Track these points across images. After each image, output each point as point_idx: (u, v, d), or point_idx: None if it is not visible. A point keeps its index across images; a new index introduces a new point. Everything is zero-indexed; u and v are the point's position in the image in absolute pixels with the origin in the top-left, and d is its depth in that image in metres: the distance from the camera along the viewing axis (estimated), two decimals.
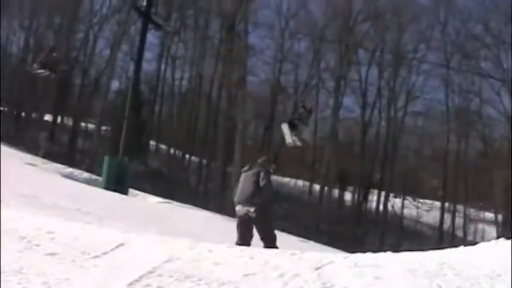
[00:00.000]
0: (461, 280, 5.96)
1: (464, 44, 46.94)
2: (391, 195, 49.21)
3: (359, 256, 7.51)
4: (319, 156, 51.56)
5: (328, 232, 42.98)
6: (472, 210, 49.00)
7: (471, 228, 47.97)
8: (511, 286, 5.73)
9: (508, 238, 9.11)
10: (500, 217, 44.13)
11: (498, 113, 44.99)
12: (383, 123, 49.54)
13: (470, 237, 44.52)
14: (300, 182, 54.50)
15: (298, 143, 18.99)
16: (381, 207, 48.21)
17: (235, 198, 11.19)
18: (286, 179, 53.86)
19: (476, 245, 8.68)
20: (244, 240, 10.91)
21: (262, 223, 10.96)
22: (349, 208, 50.22)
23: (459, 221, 47.97)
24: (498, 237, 13.19)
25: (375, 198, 49.46)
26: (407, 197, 50.54)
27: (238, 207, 11.04)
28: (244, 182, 11.15)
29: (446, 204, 48.15)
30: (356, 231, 45.16)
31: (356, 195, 49.88)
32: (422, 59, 48.73)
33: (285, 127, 18.58)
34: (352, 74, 50.77)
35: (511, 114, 42.45)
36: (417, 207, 50.61)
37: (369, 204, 49.52)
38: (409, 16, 48.43)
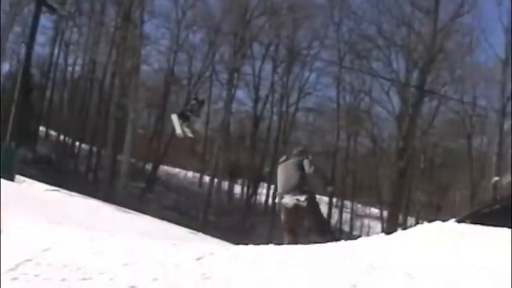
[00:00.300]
0: (340, 273, 6.08)
1: (357, 44, 47.98)
2: None
3: (241, 248, 7.57)
4: (210, 148, 51.68)
5: (217, 224, 43.15)
6: (359, 206, 50.24)
7: (358, 223, 49.18)
8: (388, 279, 5.89)
9: (389, 233, 9.39)
10: (385, 213, 45.35)
11: (387, 113, 46.24)
12: (275, 117, 50.06)
13: (356, 232, 45.59)
14: (190, 174, 54.51)
15: (190, 135, 18.93)
16: (270, 200, 48.66)
17: (279, 191, 10.52)
18: (177, 170, 53.78)
19: (358, 239, 8.90)
20: (295, 236, 10.35)
21: (315, 211, 10.53)
22: (239, 201, 50.56)
23: (346, 216, 49.11)
24: (382, 232, 13.55)
25: (265, 191, 49.93)
26: None
27: (285, 199, 10.30)
28: (286, 173, 10.56)
29: (334, 200, 49.06)
30: (245, 223, 45.49)
31: (246, 188, 50.21)
32: (315, 57, 49.63)
33: (174, 118, 18.48)
34: (246, 67, 51.09)
35: (399, 114, 43.60)
36: None
37: (258, 197, 49.96)
38: (304, 14, 49.03)
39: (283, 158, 11.03)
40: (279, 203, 10.53)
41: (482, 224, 8.70)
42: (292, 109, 49.64)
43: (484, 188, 39.57)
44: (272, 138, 49.89)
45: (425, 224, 9.40)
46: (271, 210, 47.62)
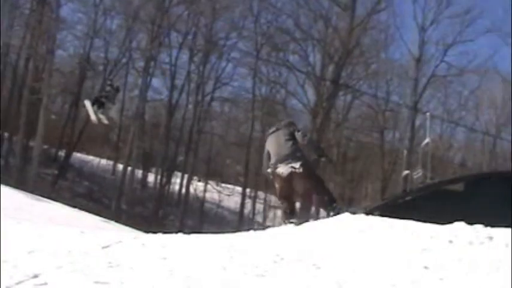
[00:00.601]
0: (247, 263, 6.11)
1: (274, 36, 48.18)
2: (195, 178, 49.73)
3: (149, 237, 7.56)
4: (125, 135, 51.09)
5: (130, 213, 42.80)
6: (272, 196, 50.50)
7: (271, 214, 49.46)
8: (295, 270, 5.95)
9: (297, 224, 9.49)
10: (298, 204, 45.84)
11: (302, 105, 46.65)
12: (190, 107, 49.84)
13: (270, 223, 45.85)
14: (104, 161, 53.83)
15: (105, 121, 18.71)
16: (184, 190, 48.52)
17: (272, 161, 10.46)
18: (90, 157, 53.03)
19: (267, 230, 8.98)
20: (292, 205, 10.47)
21: (312, 174, 10.55)
22: (152, 189, 50.21)
23: (259, 206, 49.36)
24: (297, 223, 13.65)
25: (178, 180, 49.74)
26: (210, 181, 51.30)
27: (280, 168, 10.23)
28: (278, 143, 10.52)
29: (248, 190, 49.27)
30: (157, 212, 45.25)
31: (159, 177, 49.89)
32: (233, 47, 49.61)
33: (88, 104, 18.20)
34: (162, 56, 50.69)
35: (314, 107, 44.04)
36: (219, 192, 51.52)
37: (171, 186, 49.71)
38: (223, 4, 48.93)
39: (273, 129, 11.06)
40: (273, 173, 10.45)
41: (390, 216, 8.89)
42: (207, 99, 49.50)
43: (395, 181, 40.51)
44: (187, 128, 49.63)
45: (335, 216, 9.55)
46: (184, 200, 47.54)
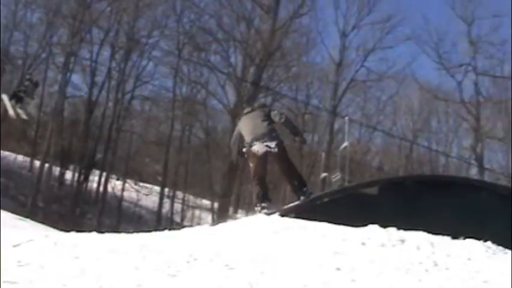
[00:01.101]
0: (160, 263, 6.07)
1: (197, 36, 48.00)
2: (113, 176, 49.18)
3: (61, 235, 7.42)
4: (42, 131, 50.09)
5: (46, 210, 42.03)
6: (191, 196, 50.39)
7: (189, 214, 49.35)
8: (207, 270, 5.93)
9: (214, 224, 9.49)
10: (216, 204, 45.80)
11: (222, 106, 46.66)
12: (110, 104, 49.20)
13: (187, 223, 45.67)
14: (21, 157, 52.65)
15: (24, 116, 18.35)
16: (102, 188, 47.89)
17: (247, 139, 10.53)
18: (6, 153, 51.82)
19: (181, 230, 8.93)
20: (264, 184, 10.48)
21: (286, 156, 10.71)
22: (69, 187, 49.35)
23: (178, 206, 49.16)
24: (213, 223, 13.65)
25: (96, 178, 49.06)
26: (129, 180, 50.78)
27: (255, 147, 10.33)
28: (253, 122, 10.66)
29: (166, 190, 48.99)
30: (75, 211, 44.53)
31: (77, 175, 49.09)
32: (154, 46, 49.19)
33: (5, 98, 17.83)
34: (83, 52, 49.86)
35: (233, 108, 44.05)
36: (137, 191, 51.06)
37: (89, 184, 48.98)
38: (146, 1, 48.47)
39: (248, 109, 11.20)
40: (248, 151, 10.53)
41: (305, 218, 8.97)
42: (128, 97, 48.94)
43: (314, 183, 40.89)
44: (106, 125, 48.96)
45: (250, 217, 9.57)
46: (102, 198, 46.95)
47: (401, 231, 8.33)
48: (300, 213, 9.46)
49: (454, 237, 8.66)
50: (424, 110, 49.97)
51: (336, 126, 45.56)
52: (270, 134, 10.46)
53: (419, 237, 8.13)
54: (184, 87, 49.17)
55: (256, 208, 10.30)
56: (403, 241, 7.86)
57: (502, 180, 42.41)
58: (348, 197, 10.64)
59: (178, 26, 48.33)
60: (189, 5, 48.18)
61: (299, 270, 6.02)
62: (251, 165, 10.59)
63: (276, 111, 10.95)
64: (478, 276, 6.79)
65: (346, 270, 6.21)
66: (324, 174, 20.62)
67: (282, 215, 9.44)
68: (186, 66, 48.00)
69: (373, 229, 8.33)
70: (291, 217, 9.22)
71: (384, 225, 8.48)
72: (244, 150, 10.71)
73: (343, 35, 46.90)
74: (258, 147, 10.31)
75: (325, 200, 10.54)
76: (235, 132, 11.26)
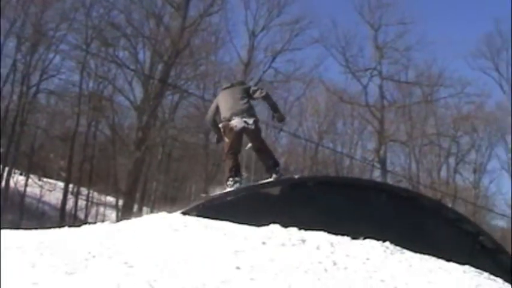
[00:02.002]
0: (57, 260, 5.95)
1: (105, 31, 47.29)
2: (16, 171, 47.97)
3: None
4: None
5: None
6: (95, 193, 49.69)
7: (93, 211, 48.64)
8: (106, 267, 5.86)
9: (115, 222, 9.39)
10: (120, 201, 45.28)
11: (129, 102, 46.08)
12: (14, 97, 47.95)
13: (92, 220, 44.99)
14: None
15: None
16: (4, 183, 46.63)
17: (225, 114, 10.78)
18: None
19: (81, 227, 8.80)
20: (236, 160, 10.78)
21: (260, 135, 11.22)
22: None
23: (82, 203, 48.35)
24: (117, 221, 13.49)
25: None
26: (32, 175, 49.64)
27: (234, 121, 10.59)
28: (233, 97, 10.95)
29: (71, 186, 48.11)
30: None
31: None
32: (62, 39, 48.16)
33: None
34: None
35: (140, 105, 43.63)
36: (41, 186, 49.97)
37: None
38: None
39: (227, 84, 11.54)
40: (225, 126, 10.78)
41: (207, 216, 8.96)
42: (33, 90, 47.76)
43: (219, 182, 40.93)
44: (10, 119, 47.68)
45: (152, 215, 9.51)
46: (3, 194, 45.75)
47: (302, 231, 8.42)
48: (202, 212, 9.46)
49: (354, 237, 8.81)
50: (330, 112, 50.75)
51: None
52: (249, 111, 10.80)
53: (319, 237, 8.24)
54: (91, 82, 48.41)
55: (228, 182, 10.69)
56: (303, 241, 7.94)
57: (403, 183, 43.56)
58: (250, 197, 10.69)
59: (87, 20, 47.44)
60: None
61: (198, 269, 6.01)
62: (227, 140, 10.84)
63: (256, 87, 11.43)
64: (375, 275, 6.95)
65: (246, 269, 6.23)
66: None
67: (184, 214, 9.41)
68: (93, 61, 47.25)
69: (275, 229, 8.40)
70: (193, 216, 9.20)
71: (286, 225, 8.56)
72: (220, 125, 10.99)
73: (252, 35, 47.26)
74: (236, 122, 10.60)
75: (228, 199, 10.57)
76: (212, 107, 11.49)
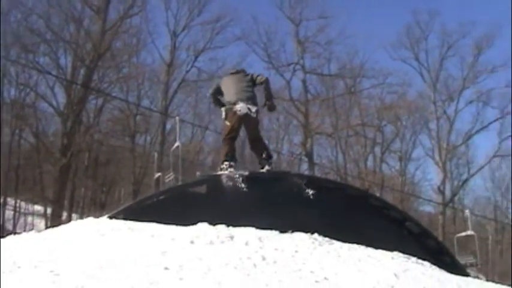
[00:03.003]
0: None
1: (24, 37, 46.38)
2: None
3: None
4: None
5: None
6: (22, 203, 48.77)
7: (21, 220, 47.73)
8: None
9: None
10: (49, 210, 44.56)
11: (52, 108, 45.29)
12: None
13: (20, 230, 44.14)
14: None
15: None
16: None
17: (231, 98, 11.16)
18: None
19: (5, 238, 8.62)
20: (232, 144, 11.24)
21: (258, 129, 11.76)
22: None
23: (9, 213, 47.40)
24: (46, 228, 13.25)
25: None
26: None
27: (238, 106, 11.00)
28: (239, 83, 11.36)
29: None
30: None
31: None
32: None
33: None
34: None
35: (64, 111, 42.98)
36: None
37: None
38: None
39: (232, 70, 11.98)
40: (229, 109, 11.14)
41: (135, 219, 8.90)
42: None
43: (147, 184, 40.72)
44: None
45: (78, 221, 9.39)
46: None
47: (231, 228, 8.46)
48: (129, 214, 9.39)
49: (283, 231, 8.88)
50: None
51: (168, 126, 45.57)
52: (253, 99, 11.29)
53: (248, 233, 8.28)
54: (12, 89, 47.40)
55: (223, 166, 11.07)
56: (232, 237, 7.97)
57: (331, 174, 44.04)
58: (177, 197, 10.68)
59: (4, 26, 46.50)
60: (16, 4, 46.46)
61: (126, 272, 5.96)
62: (227, 123, 11.20)
63: (257, 74, 11.80)
64: (305, 267, 7.02)
65: (174, 269, 6.22)
66: (157, 175, 20.56)
67: (111, 218, 9.33)
68: (13, 68, 46.28)
69: (202, 227, 8.41)
70: (120, 219, 9.13)
71: (214, 223, 8.56)
72: (223, 109, 11.40)
73: (174, 35, 46.99)
74: (241, 107, 11.00)
75: (154, 200, 10.52)
76: (214, 87, 12.00)
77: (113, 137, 47.27)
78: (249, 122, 11.22)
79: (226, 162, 10.97)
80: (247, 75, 11.72)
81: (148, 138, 47.98)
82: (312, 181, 11.96)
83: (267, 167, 11.33)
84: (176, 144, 17.03)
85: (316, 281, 6.55)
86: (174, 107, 47.36)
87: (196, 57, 47.52)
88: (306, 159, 47.24)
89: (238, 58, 59.31)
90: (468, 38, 55.04)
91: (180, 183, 14.20)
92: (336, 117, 49.00)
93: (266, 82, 11.69)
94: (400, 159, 52.96)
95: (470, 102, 52.98)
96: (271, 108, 12.07)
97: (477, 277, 14.62)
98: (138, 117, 46.11)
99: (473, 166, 54.65)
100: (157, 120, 46.10)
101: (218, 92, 11.74)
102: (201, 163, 49.82)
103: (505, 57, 52.37)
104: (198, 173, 13.45)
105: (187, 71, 47.34)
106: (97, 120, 45.55)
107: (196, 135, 51.48)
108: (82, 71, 43.94)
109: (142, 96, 47.36)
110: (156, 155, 34.19)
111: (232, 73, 11.91)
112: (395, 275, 7.29)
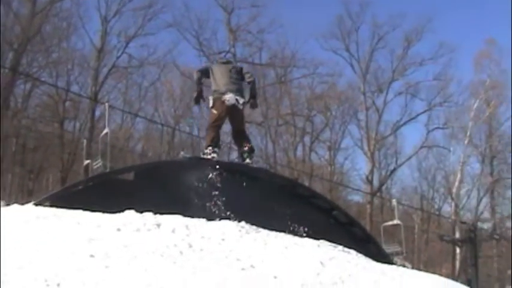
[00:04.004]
0: None
1: None
2: None
3: None
4: None
5: None
6: None
7: None
8: None
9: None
10: None
11: None
12: None
13: None
14: None
15: None
16: None
17: (221, 89, 11.49)
18: None
19: None
20: (217, 133, 11.58)
21: (243, 122, 12.27)
22: None
23: None
24: None
25: None
26: None
27: (227, 96, 11.37)
28: (228, 74, 11.70)
29: None
30: None
31: None
32: None
33: None
34: None
35: None
36: None
37: None
38: None
39: (223, 59, 12.81)
40: (217, 98, 11.53)
41: (61, 206, 8.82)
42: None
43: (76, 171, 40.22)
44: None
45: (2, 208, 9.25)
46: None
47: (158, 216, 8.46)
48: (55, 201, 9.31)
49: (210, 219, 8.93)
50: (186, 96, 50.45)
51: (98, 112, 45.07)
52: (241, 91, 11.78)
53: (175, 221, 8.30)
54: None
55: (207, 151, 11.46)
56: (158, 225, 7.99)
57: (260, 163, 44.22)
58: (104, 184, 10.63)
59: None
60: None
61: (51, 260, 5.93)
62: (214, 112, 11.60)
63: (246, 71, 12.40)
64: (231, 254, 7.09)
65: (100, 256, 6.21)
66: (86, 162, 20.37)
67: (37, 205, 9.23)
68: None
69: (129, 215, 8.39)
70: (46, 206, 9.04)
71: (141, 211, 8.56)
72: (210, 97, 11.76)
73: (105, 20, 46.37)
74: (230, 98, 11.41)
75: (81, 187, 10.45)
76: (202, 69, 12.40)
77: (41, 122, 46.48)
78: (235, 113, 11.66)
79: (210, 147, 11.36)
80: (236, 67, 12.29)
81: (78, 124, 47.41)
82: (239, 170, 12.04)
83: (248, 160, 11.73)
84: (105, 130, 16.95)
85: (243, 269, 6.62)
86: (104, 93, 46.93)
87: (127, 43, 47.17)
88: (236, 147, 47.34)
89: (170, 45, 59.21)
90: (398, 31, 55.72)
91: (108, 170, 14.13)
92: (266, 106, 49.17)
93: (253, 82, 12.25)
94: (329, 148, 53.59)
95: (399, 94, 54.28)
96: (254, 105, 12.55)
97: (403, 265, 14.96)
98: (67, 103, 45.44)
99: (401, 156, 55.82)
100: (86, 107, 45.55)
101: (206, 73, 12.07)
102: (131, 150, 49.49)
103: (433, 51, 53.77)
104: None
105: (117, 57, 46.95)
106: (25, 105, 44.77)
107: (126, 122, 51.07)
108: (10, 55, 43.04)
109: (72, 82, 46.67)
110: (85, 141, 33.80)
111: (222, 62, 12.43)
112: (322, 262, 7.41)
